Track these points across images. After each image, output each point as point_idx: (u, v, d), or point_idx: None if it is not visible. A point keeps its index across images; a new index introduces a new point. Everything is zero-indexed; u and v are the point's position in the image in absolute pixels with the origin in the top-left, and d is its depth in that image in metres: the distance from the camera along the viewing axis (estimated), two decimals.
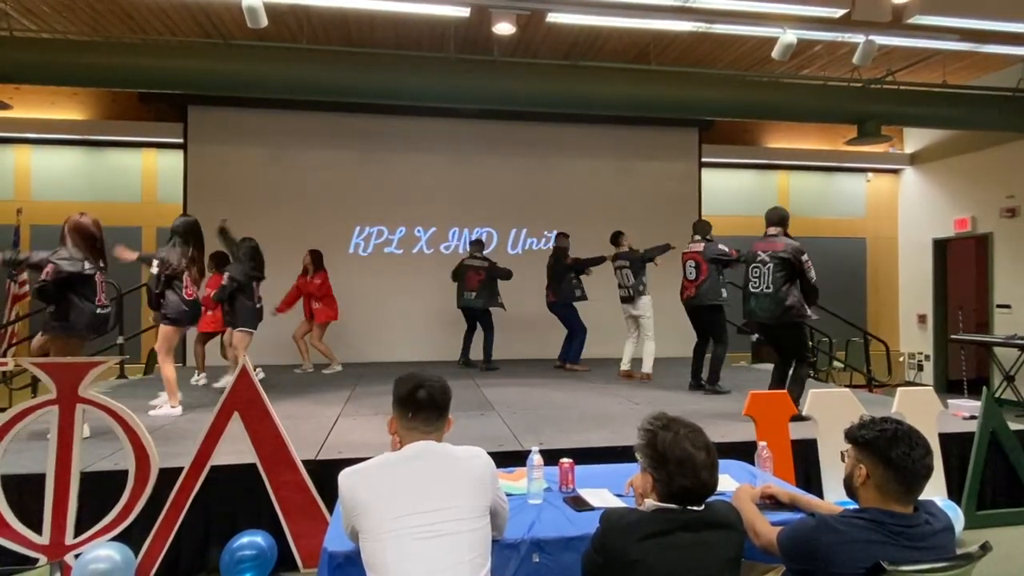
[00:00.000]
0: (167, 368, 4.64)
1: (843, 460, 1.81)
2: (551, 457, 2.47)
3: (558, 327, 7.23)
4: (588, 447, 3.68)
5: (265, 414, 3.23)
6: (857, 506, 1.75)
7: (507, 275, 6.91)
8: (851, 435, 1.78)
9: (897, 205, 10.01)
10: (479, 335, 7.15)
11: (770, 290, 4.47)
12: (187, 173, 7.97)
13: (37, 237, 7.85)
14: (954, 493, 3.90)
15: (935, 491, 3.60)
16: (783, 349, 4.71)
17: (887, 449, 1.67)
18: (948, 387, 8.77)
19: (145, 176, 8.20)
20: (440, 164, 8.49)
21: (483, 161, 8.59)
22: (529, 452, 2.35)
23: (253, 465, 3.20)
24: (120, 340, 6.74)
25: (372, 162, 8.36)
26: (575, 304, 6.98)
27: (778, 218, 4.79)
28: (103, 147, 8.06)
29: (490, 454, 1.85)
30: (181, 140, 7.98)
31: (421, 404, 1.79)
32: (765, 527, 1.89)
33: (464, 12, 5.72)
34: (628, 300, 6.41)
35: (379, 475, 1.72)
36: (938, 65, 7.36)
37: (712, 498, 1.71)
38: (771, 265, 4.51)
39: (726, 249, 5.64)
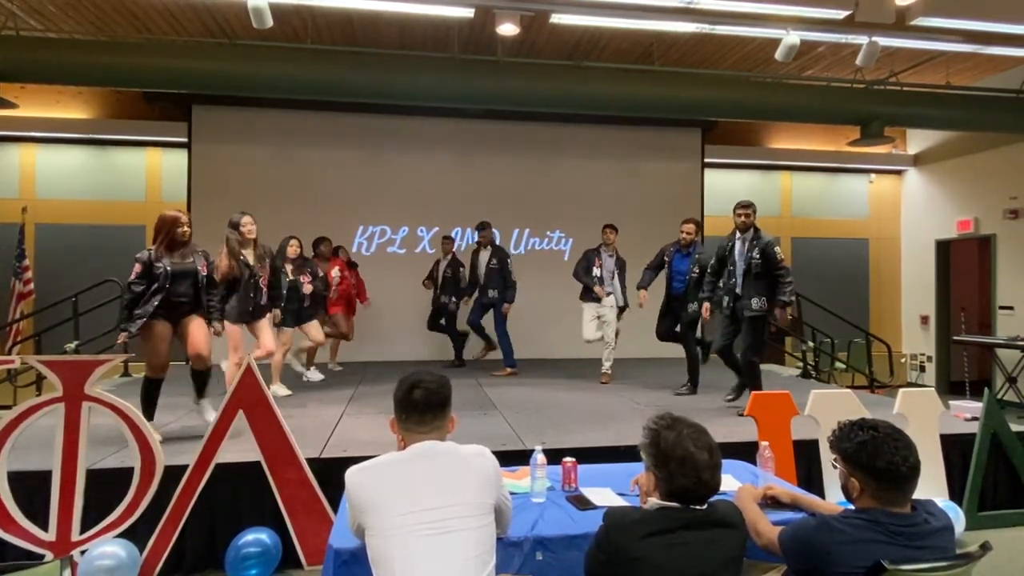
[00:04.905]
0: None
1: (834, 467, 1.82)
2: (554, 456, 2.49)
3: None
4: (591, 447, 3.70)
5: (270, 413, 3.24)
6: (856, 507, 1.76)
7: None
8: (834, 447, 1.80)
9: (900, 206, 10.00)
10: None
11: None
12: (191, 172, 8.00)
13: (42, 235, 7.90)
14: (955, 494, 3.90)
15: (936, 492, 3.61)
16: None
17: (872, 461, 1.68)
18: (950, 388, 8.77)
19: (150, 175, 8.23)
20: (443, 164, 8.51)
21: (486, 161, 8.60)
22: (532, 451, 2.36)
23: (258, 463, 3.23)
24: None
25: (376, 162, 8.38)
26: None
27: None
28: (108, 146, 8.09)
29: (493, 453, 1.86)
30: (185, 139, 8.00)
31: (416, 404, 1.80)
32: (767, 527, 1.90)
33: (468, 13, 5.74)
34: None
35: (385, 473, 1.74)
36: (942, 66, 7.36)
37: (715, 497, 1.72)
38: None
39: None
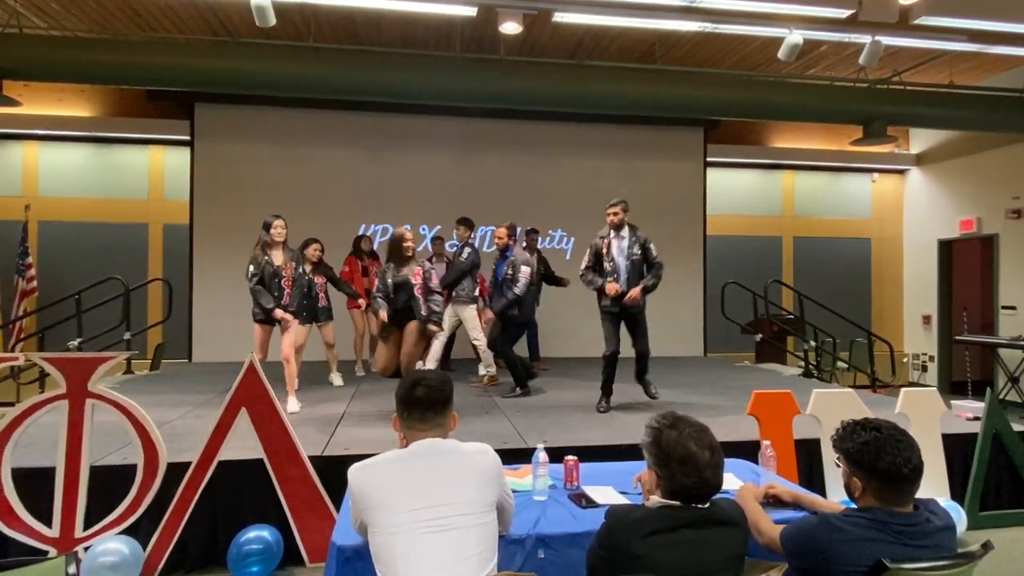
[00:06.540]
0: None
1: (837, 466, 1.82)
2: (556, 455, 2.49)
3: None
4: (592, 445, 3.70)
5: (272, 410, 3.26)
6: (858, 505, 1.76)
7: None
8: (837, 447, 1.80)
9: (902, 206, 9.99)
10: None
11: None
12: (194, 170, 8.01)
13: (44, 233, 7.91)
14: (957, 494, 3.90)
15: (938, 492, 3.61)
16: None
17: (874, 462, 1.68)
18: (952, 388, 8.75)
19: (152, 173, 8.24)
20: (445, 162, 8.52)
21: (489, 159, 8.61)
22: (534, 450, 2.37)
23: (260, 460, 3.23)
24: (127, 336, 6.78)
25: (378, 160, 8.39)
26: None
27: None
28: (111, 144, 8.10)
29: (496, 451, 1.87)
30: (188, 137, 8.02)
31: (419, 401, 1.81)
32: (768, 525, 1.90)
33: (471, 11, 5.74)
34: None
35: (388, 470, 1.75)
36: (945, 66, 7.35)
37: (716, 496, 1.72)
38: None
39: None
